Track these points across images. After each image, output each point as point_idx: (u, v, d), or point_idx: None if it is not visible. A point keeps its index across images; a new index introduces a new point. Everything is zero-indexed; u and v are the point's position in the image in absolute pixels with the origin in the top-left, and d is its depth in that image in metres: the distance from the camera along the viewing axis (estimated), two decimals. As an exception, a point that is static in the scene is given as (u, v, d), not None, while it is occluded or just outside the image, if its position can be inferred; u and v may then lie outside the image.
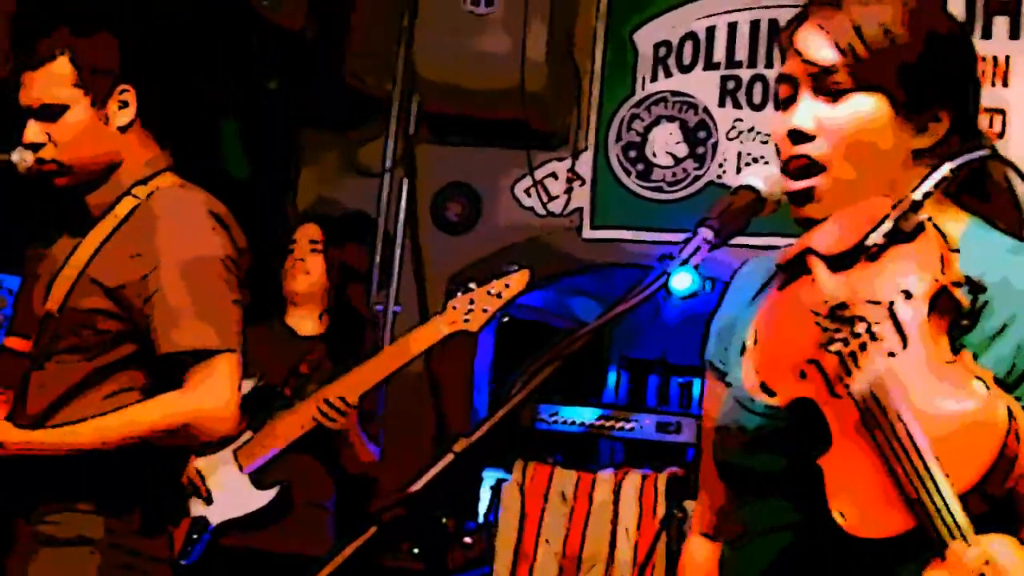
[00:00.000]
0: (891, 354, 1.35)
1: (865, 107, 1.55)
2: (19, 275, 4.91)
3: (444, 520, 4.59)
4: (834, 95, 1.55)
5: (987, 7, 4.72)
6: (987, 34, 4.69)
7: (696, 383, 7.35)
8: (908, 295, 1.37)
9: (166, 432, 2.56)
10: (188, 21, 4.53)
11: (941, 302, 1.37)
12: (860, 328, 1.38)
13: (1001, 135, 4.56)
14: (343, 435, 3.79)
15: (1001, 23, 4.71)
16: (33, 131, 2.68)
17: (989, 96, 4.57)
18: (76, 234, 2.74)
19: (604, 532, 4.24)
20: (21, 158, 2.68)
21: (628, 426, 4.95)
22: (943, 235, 1.41)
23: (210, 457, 3.77)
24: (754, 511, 1.57)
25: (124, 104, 2.71)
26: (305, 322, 4.08)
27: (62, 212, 2.79)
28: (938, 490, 1.24)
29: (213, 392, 2.57)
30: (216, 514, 3.78)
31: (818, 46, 1.57)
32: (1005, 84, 4.66)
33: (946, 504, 1.24)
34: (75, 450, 2.53)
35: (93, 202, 2.74)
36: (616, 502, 4.27)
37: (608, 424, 4.98)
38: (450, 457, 1.38)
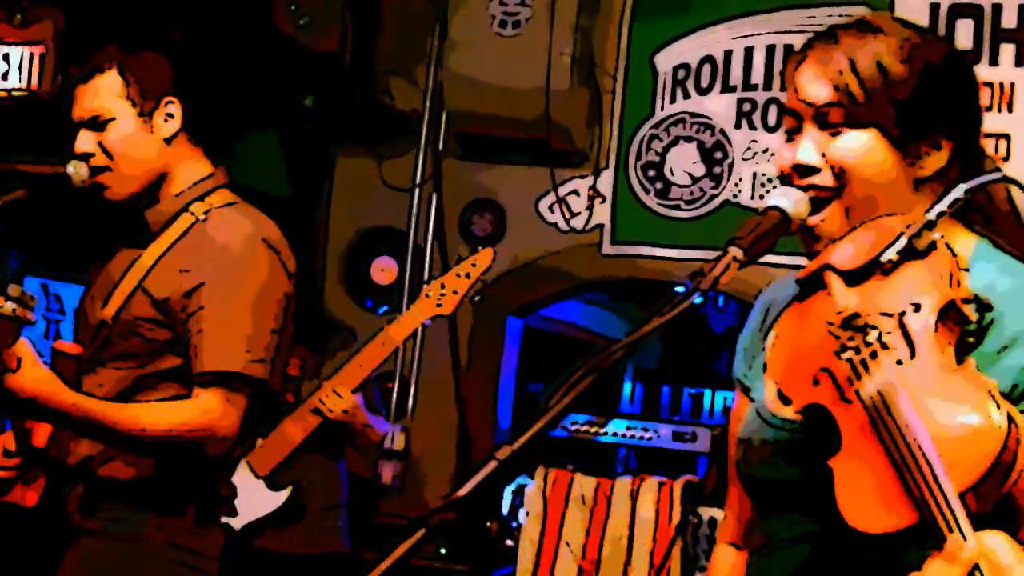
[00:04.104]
0: (899, 362, 1.39)
1: (860, 142, 1.57)
2: (74, 283, 5.04)
3: (488, 524, 4.69)
4: (832, 130, 1.59)
5: (994, 35, 4.83)
6: (994, 61, 4.81)
7: (707, 393, 7.45)
8: (918, 307, 1.42)
9: (175, 436, 2.57)
10: (225, 42, 4.64)
11: (949, 315, 1.42)
12: (871, 336, 1.41)
13: (1006, 159, 4.65)
14: (353, 425, 3.94)
15: (1007, 50, 4.83)
16: (83, 140, 2.73)
17: (995, 121, 4.66)
18: (134, 247, 2.78)
19: (622, 536, 4.33)
20: (76, 170, 2.71)
21: (647, 435, 5.03)
22: (954, 254, 1.45)
23: None
24: (775, 523, 1.60)
25: (170, 116, 2.76)
26: None
27: (122, 226, 2.84)
28: (940, 488, 1.30)
29: (218, 410, 2.59)
30: (239, 520, 3.90)
31: (813, 85, 1.59)
32: (1010, 110, 4.76)
33: (947, 501, 1.28)
34: (113, 427, 2.51)
35: (152, 218, 2.79)
36: (633, 508, 4.35)
37: (628, 433, 5.07)
38: (494, 464, 1.36)
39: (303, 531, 3.95)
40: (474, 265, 3.90)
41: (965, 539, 1.28)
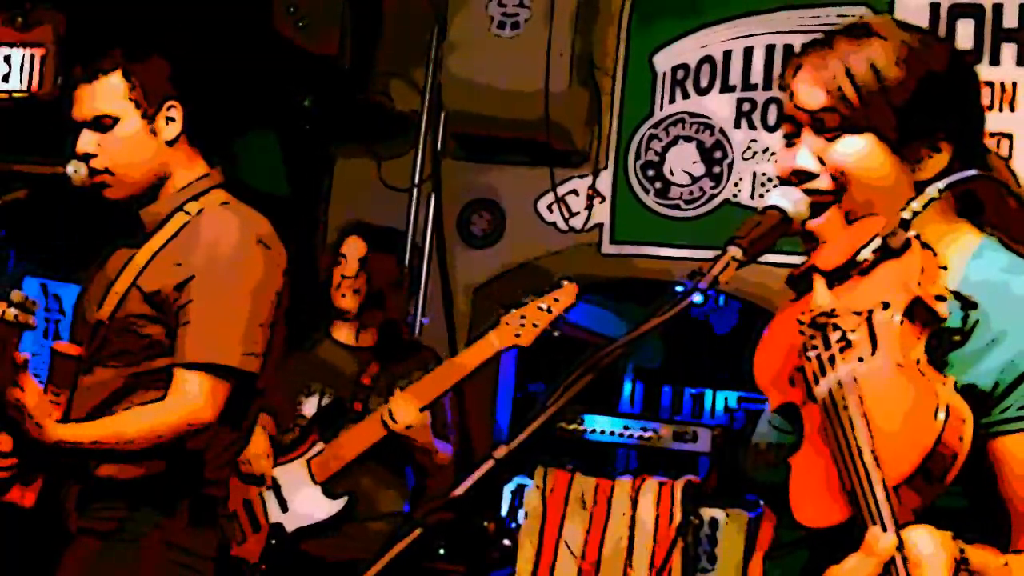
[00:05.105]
0: (860, 359, 1.41)
1: (858, 146, 1.58)
2: (73, 284, 5.03)
3: (485, 524, 4.69)
4: (829, 135, 1.60)
5: (995, 34, 4.82)
6: (995, 60, 4.80)
7: (708, 393, 7.45)
8: (886, 305, 1.43)
9: (156, 440, 2.59)
10: (225, 44, 4.68)
11: (916, 312, 1.43)
12: (836, 335, 1.43)
13: (1008, 159, 4.62)
14: (420, 444, 3.88)
15: (1008, 50, 4.81)
16: (86, 141, 2.77)
17: (996, 121, 4.65)
18: (130, 247, 2.82)
19: (622, 537, 4.31)
20: (75, 170, 2.75)
21: (647, 435, 5.02)
22: (933, 252, 1.47)
23: (286, 467, 3.90)
24: (781, 526, 1.63)
25: (171, 119, 2.80)
26: (351, 334, 4.16)
27: (118, 225, 2.88)
28: (869, 482, 1.30)
29: (205, 406, 2.61)
30: (291, 521, 3.90)
31: (808, 91, 1.61)
32: (1012, 109, 4.74)
33: (873, 495, 1.30)
34: (102, 448, 2.54)
35: (147, 218, 2.83)
36: (634, 508, 4.33)
37: (628, 432, 5.06)
38: (491, 463, 1.38)
39: (352, 538, 3.91)
40: (556, 300, 3.84)
41: (885, 531, 1.28)
